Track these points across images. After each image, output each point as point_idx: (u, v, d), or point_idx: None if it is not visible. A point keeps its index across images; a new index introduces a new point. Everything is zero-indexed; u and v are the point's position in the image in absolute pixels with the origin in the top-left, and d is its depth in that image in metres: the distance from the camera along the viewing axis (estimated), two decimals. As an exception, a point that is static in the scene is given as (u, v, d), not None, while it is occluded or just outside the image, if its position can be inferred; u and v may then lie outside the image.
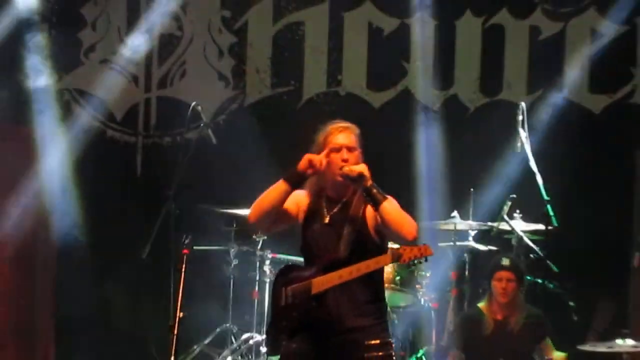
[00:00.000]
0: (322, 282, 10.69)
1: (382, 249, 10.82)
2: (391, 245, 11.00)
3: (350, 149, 10.72)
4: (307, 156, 10.55)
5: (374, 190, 10.58)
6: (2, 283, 15.07)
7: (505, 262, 13.74)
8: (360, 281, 10.78)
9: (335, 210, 10.81)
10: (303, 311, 10.92)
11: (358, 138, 10.89)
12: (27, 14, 16.25)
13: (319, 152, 10.70)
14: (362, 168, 10.54)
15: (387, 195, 10.66)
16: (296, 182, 10.63)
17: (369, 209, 10.72)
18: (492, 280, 13.78)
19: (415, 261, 10.87)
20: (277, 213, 10.80)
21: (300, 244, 11.01)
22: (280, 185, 10.66)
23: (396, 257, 10.67)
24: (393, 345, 11.07)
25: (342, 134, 10.81)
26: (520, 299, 13.86)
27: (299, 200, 10.95)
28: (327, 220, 10.83)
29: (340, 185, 10.71)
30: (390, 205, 10.61)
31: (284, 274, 11.09)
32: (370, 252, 10.71)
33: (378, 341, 10.84)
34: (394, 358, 11.06)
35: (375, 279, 10.95)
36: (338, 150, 10.66)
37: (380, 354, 10.83)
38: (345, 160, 10.63)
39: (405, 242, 10.80)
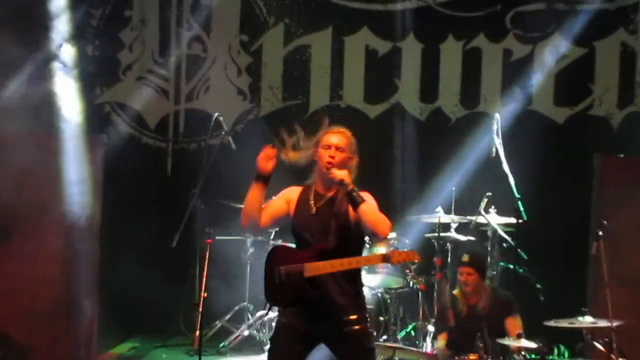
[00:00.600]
0: (314, 268, 10.76)
1: (363, 240, 11.06)
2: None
3: (338, 149, 10.83)
4: (259, 157, 10.75)
5: (354, 194, 10.67)
6: (55, 269, 15.01)
7: (465, 258, 13.79)
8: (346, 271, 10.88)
9: (321, 203, 10.88)
10: (295, 289, 11.01)
11: (350, 143, 10.94)
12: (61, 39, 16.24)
13: (315, 148, 10.87)
14: (344, 175, 10.64)
15: (368, 193, 10.83)
16: (263, 179, 10.76)
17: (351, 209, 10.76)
18: (460, 274, 13.86)
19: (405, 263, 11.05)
20: (268, 213, 10.95)
21: (291, 230, 11.06)
22: (253, 187, 10.83)
23: (386, 259, 10.77)
24: (369, 320, 11.19)
25: (335, 136, 10.92)
26: (484, 285, 13.87)
27: (288, 197, 11.11)
28: (313, 211, 10.89)
29: (327, 180, 10.78)
30: (368, 207, 10.69)
31: (275, 254, 11.19)
32: (353, 242, 10.90)
33: (356, 316, 10.98)
34: (369, 331, 11.17)
35: (356, 268, 11.10)
36: (328, 147, 10.73)
37: (357, 327, 10.99)
38: (331, 157, 10.76)
39: (378, 240, 10.93)
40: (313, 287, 10.88)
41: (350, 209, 10.71)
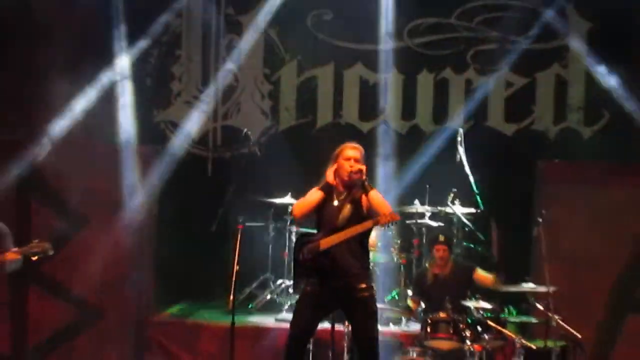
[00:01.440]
0: (327, 241, 11.22)
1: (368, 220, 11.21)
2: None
3: (357, 160, 11.24)
4: (329, 171, 11.27)
5: (366, 184, 11.04)
6: (122, 249, 15.19)
7: (441, 238, 13.93)
8: (355, 244, 11.32)
9: (341, 198, 11.22)
10: (315, 263, 11.34)
11: (362, 155, 11.33)
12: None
13: (334, 162, 11.29)
14: (363, 167, 11.13)
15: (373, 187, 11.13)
16: (327, 191, 11.27)
17: (363, 198, 11.23)
18: (433, 250, 14.01)
19: (389, 224, 11.27)
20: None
21: (316, 219, 11.41)
22: (316, 193, 11.32)
23: (375, 222, 11.19)
24: (375, 288, 11.49)
25: (352, 150, 11.33)
26: (450, 259, 14.00)
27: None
28: (335, 203, 11.22)
29: (346, 183, 11.18)
30: (375, 194, 11.18)
31: (300, 240, 11.64)
32: (360, 221, 11.28)
33: (365, 285, 11.31)
34: (375, 297, 11.47)
35: (364, 244, 11.46)
36: (348, 159, 11.14)
37: (366, 294, 11.30)
38: (351, 166, 11.19)
39: (384, 220, 11.22)
40: (329, 259, 11.24)
41: (362, 200, 11.16)
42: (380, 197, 11.31)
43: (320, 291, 11.51)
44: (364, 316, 11.49)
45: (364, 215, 11.33)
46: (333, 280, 11.39)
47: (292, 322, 11.72)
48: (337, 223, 11.30)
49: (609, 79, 16.07)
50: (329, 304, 11.62)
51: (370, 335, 11.57)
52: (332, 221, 11.35)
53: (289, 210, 14.95)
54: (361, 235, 11.36)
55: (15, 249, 12.57)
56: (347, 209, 11.37)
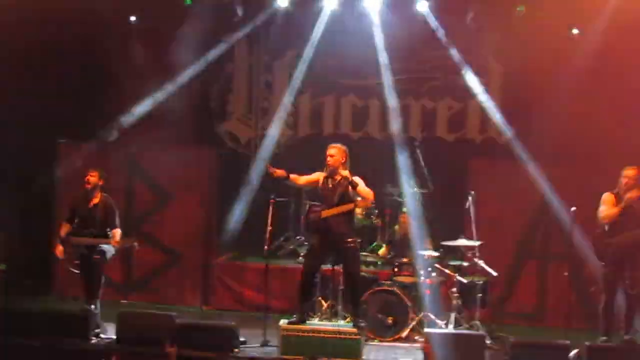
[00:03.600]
0: (327, 212, 11.75)
1: (351, 200, 11.75)
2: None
3: (331, 155, 11.82)
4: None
5: (354, 183, 11.63)
6: (194, 218, 15.51)
7: (404, 209, 14.35)
8: (344, 215, 11.78)
9: (334, 182, 11.82)
10: (318, 224, 11.85)
11: (339, 150, 11.91)
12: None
13: (324, 158, 11.84)
14: (358, 180, 11.77)
15: (360, 177, 11.75)
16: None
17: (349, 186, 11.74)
18: (400, 217, 14.16)
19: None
20: (308, 179, 12.14)
21: (319, 194, 11.99)
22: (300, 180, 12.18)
23: (356, 205, 12.00)
24: (357, 241, 12.01)
25: (331, 149, 12.00)
26: (411, 222, 14.06)
27: (318, 177, 12.00)
28: (330, 186, 11.78)
29: (333, 172, 11.77)
30: (362, 187, 11.73)
31: (309, 209, 12.14)
32: (348, 201, 11.78)
33: (350, 239, 11.85)
34: (358, 247, 12.20)
35: (351, 214, 11.91)
36: (326, 157, 11.91)
37: (352, 245, 11.85)
38: (332, 161, 11.88)
39: (368, 202, 11.64)
40: (328, 224, 11.54)
41: (348, 186, 11.56)
42: (365, 190, 11.80)
43: (321, 243, 11.95)
44: (351, 260, 11.94)
45: (349, 194, 11.74)
46: (330, 236, 11.79)
47: (305, 264, 12.22)
48: (333, 200, 11.78)
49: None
50: (328, 252, 12.08)
51: (356, 271, 11.99)
52: (329, 198, 11.78)
53: (305, 197, 15.02)
54: (349, 209, 11.89)
55: (117, 239, 12.70)
56: (339, 191, 11.75)
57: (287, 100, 16.84)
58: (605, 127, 15.08)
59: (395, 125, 16.56)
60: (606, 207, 12.41)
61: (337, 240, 11.97)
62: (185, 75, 16.00)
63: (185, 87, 16.04)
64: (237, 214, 15.86)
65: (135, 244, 12.77)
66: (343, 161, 11.97)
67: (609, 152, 14.66)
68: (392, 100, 16.56)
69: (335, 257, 12.41)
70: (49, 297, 15.22)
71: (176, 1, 15.57)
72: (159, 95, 15.84)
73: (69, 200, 13.32)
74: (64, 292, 15.03)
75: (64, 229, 12.94)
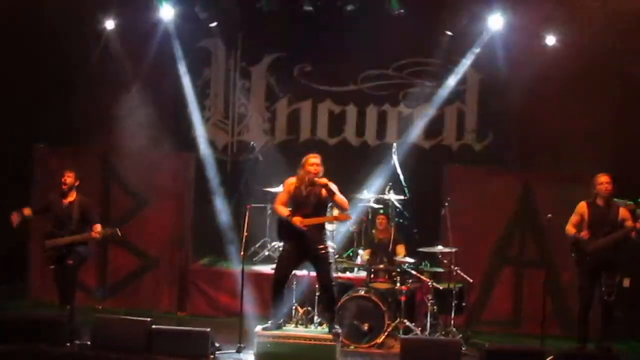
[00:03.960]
0: (305, 222, 11.73)
1: (326, 209, 11.81)
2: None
3: (317, 165, 11.55)
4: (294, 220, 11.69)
5: (331, 190, 11.52)
6: (171, 220, 15.37)
7: (382, 212, 14.39)
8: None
9: (308, 190, 11.66)
10: (293, 232, 11.69)
11: (321, 160, 11.68)
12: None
13: (302, 168, 11.75)
14: (326, 180, 11.50)
15: (333, 182, 11.69)
16: (287, 218, 11.79)
17: (323, 191, 11.70)
18: (376, 220, 14.14)
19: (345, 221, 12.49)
20: (282, 202, 11.96)
21: (291, 203, 11.85)
22: (285, 212, 11.88)
23: (335, 219, 12.22)
24: (329, 247, 12.02)
25: (314, 158, 11.73)
26: (390, 226, 14.20)
27: (288, 188, 11.91)
28: (304, 193, 11.67)
29: (311, 180, 11.60)
30: (338, 196, 11.63)
31: (284, 218, 11.86)
32: (322, 210, 11.80)
33: (323, 246, 11.82)
34: (330, 253, 12.13)
35: (323, 222, 11.81)
36: (311, 165, 11.61)
37: (324, 252, 11.80)
38: (316, 171, 11.61)
39: (344, 210, 11.57)
40: (301, 231, 11.64)
41: (323, 193, 11.56)
42: (342, 198, 11.83)
43: (294, 250, 11.95)
44: (324, 266, 11.91)
45: (324, 202, 11.78)
46: (303, 243, 11.76)
47: (276, 269, 12.22)
48: (307, 208, 11.79)
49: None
50: (300, 258, 12.05)
51: (330, 277, 11.97)
52: (304, 205, 11.76)
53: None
54: (319, 215, 11.85)
55: (98, 231, 12.64)
56: (313, 198, 11.76)
57: (263, 105, 16.98)
58: (579, 134, 15.24)
59: (370, 131, 16.84)
60: (570, 220, 12.56)
61: (310, 247, 11.93)
62: (162, 80, 16.09)
63: (161, 92, 16.09)
64: (214, 218, 15.81)
65: (118, 231, 12.71)
66: (322, 170, 12.00)
67: (585, 159, 14.77)
68: (367, 107, 16.83)
69: (309, 264, 12.45)
70: (24, 303, 15.09)
71: (153, 5, 15.48)
72: (135, 100, 15.78)
73: (44, 198, 13.23)
74: (38, 298, 14.94)
75: (27, 211, 12.87)
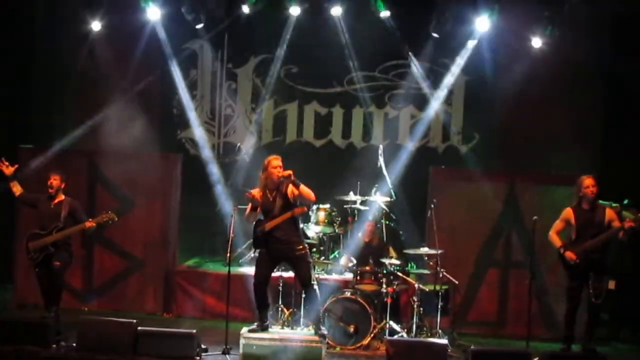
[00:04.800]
0: (270, 224, 11.77)
1: (294, 206, 11.70)
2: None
3: (280, 167, 11.68)
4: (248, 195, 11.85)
5: (296, 181, 11.50)
6: (157, 221, 15.27)
7: (370, 218, 14.30)
8: (290, 223, 11.80)
9: (273, 194, 11.70)
10: (265, 236, 11.85)
11: (282, 162, 11.71)
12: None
13: (264, 170, 11.83)
14: (290, 172, 11.49)
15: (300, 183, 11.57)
16: (254, 204, 11.94)
17: (289, 190, 11.69)
18: (365, 226, 14.15)
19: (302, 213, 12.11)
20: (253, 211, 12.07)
21: (261, 210, 11.87)
22: (249, 212, 12.06)
23: (292, 215, 11.84)
24: (307, 248, 12.00)
25: (276, 160, 11.81)
26: (377, 231, 14.21)
27: (257, 193, 11.93)
28: (271, 198, 11.73)
29: (275, 183, 11.62)
30: (303, 187, 11.58)
31: (256, 225, 12.05)
32: (288, 208, 11.76)
33: (301, 247, 11.84)
34: (308, 253, 12.11)
35: (296, 222, 11.94)
36: (275, 167, 11.65)
37: (303, 252, 11.84)
38: (279, 170, 11.63)
39: (311, 202, 12.02)
40: (274, 234, 11.81)
41: (289, 191, 11.68)
42: (307, 189, 11.74)
43: (270, 253, 11.98)
44: (303, 266, 11.94)
45: (290, 201, 11.83)
46: (280, 245, 11.78)
47: (255, 274, 12.22)
48: (274, 211, 11.81)
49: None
50: (277, 260, 12.09)
51: (309, 276, 11.96)
52: (271, 210, 11.78)
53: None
54: (292, 217, 11.84)
55: (92, 219, 12.65)
56: (279, 200, 11.76)
57: (249, 107, 16.96)
58: (566, 136, 15.30)
59: (356, 133, 16.84)
60: (554, 227, 12.60)
61: (287, 250, 11.95)
62: (149, 81, 16.06)
63: (148, 93, 16.07)
64: (199, 220, 15.88)
65: (114, 216, 12.73)
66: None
67: (571, 160, 14.83)
68: (354, 108, 16.82)
69: (287, 266, 12.58)
70: (8, 305, 15.04)
71: (140, 7, 15.46)
72: (122, 101, 15.77)
73: (37, 197, 13.13)
74: (24, 299, 14.87)
75: (17, 188, 12.85)
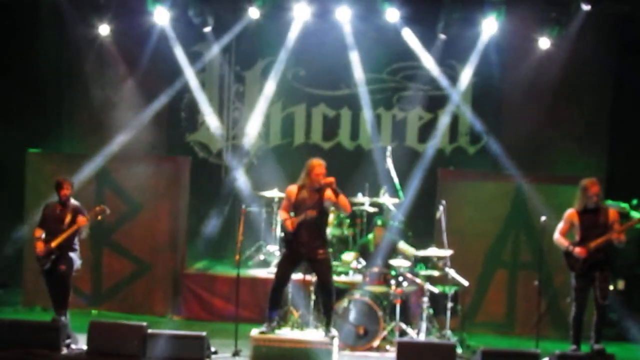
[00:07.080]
0: (291, 223, 11.92)
1: (324, 209, 11.73)
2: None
3: (323, 173, 11.64)
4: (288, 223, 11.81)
5: (337, 190, 11.54)
6: (165, 225, 15.26)
7: (379, 222, 14.11)
8: (315, 227, 11.73)
9: (312, 193, 11.61)
10: (290, 237, 11.87)
11: (326, 167, 11.61)
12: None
13: (307, 174, 11.74)
14: (332, 179, 11.51)
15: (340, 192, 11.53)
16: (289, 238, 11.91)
17: (326, 194, 11.70)
18: (374, 228, 14.12)
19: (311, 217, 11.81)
20: (287, 210, 11.96)
21: (293, 208, 11.78)
22: (289, 223, 11.84)
23: (304, 218, 11.81)
24: (328, 252, 12.00)
25: (320, 167, 11.77)
26: (385, 233, 14.09)
27: (289, 195, 11.93)
28: (306, 198, 11.72)
29: (316, 187, 11.56)
30: (342, 197, 11.62)
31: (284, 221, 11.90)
32: (324, 210, 11.72)
33: (322, 251, 11.79)
34: (330, 257, 12.04)
35: (323, 224, 11.87)
36: (319, 174, 11.64)
37: (324, 256, 11.81)
38: (324, 176, 11.64)
39: (347, 212, 12.16)
40: (300, 236, 11.85)
41: (326, 196, 11.65)
42: (345, 200, 11.87)
43: (294, 254, 11.92)
44: (324, 270, 11.91)
45: (323, 206, 11.83)
46: (302, 248, 11.77)
47: (276, 274, 12.12)
48: (314, 213, 11.81)
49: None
50: (297, 262, 12.06)
51: (329, 280, 11.94)
52: (305, 209, 11.76)
53: (277, 207, 14.98)
54: (319, 220, 11.84)
55: (83, 217, 12.59)
56: (312, 201, 11.81)
57: (258, 110, 16.84)
58: (573, 137, 15.31)
59: (364, 134, 16.80)
60: (559, 229, 12.58)
61: (310, 252, 11.95)
62: (157, 86, 16.10)
63: (156, 97, 16.08)
64: (208, 222, 15.85)
65: (106, 209, 12.71)
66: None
67: (578, 161, 14.85)
68: (361, 110, 16.73)
69: (308, 268, 12.53)
70: (18, 308, 15.05)
71: (147, 10, 15.47)
72: (129, 104, 15.80)
73: (43, 208, 13.11)
74: (33, 303, 14.90)
75: (39, 232, 12.80)
